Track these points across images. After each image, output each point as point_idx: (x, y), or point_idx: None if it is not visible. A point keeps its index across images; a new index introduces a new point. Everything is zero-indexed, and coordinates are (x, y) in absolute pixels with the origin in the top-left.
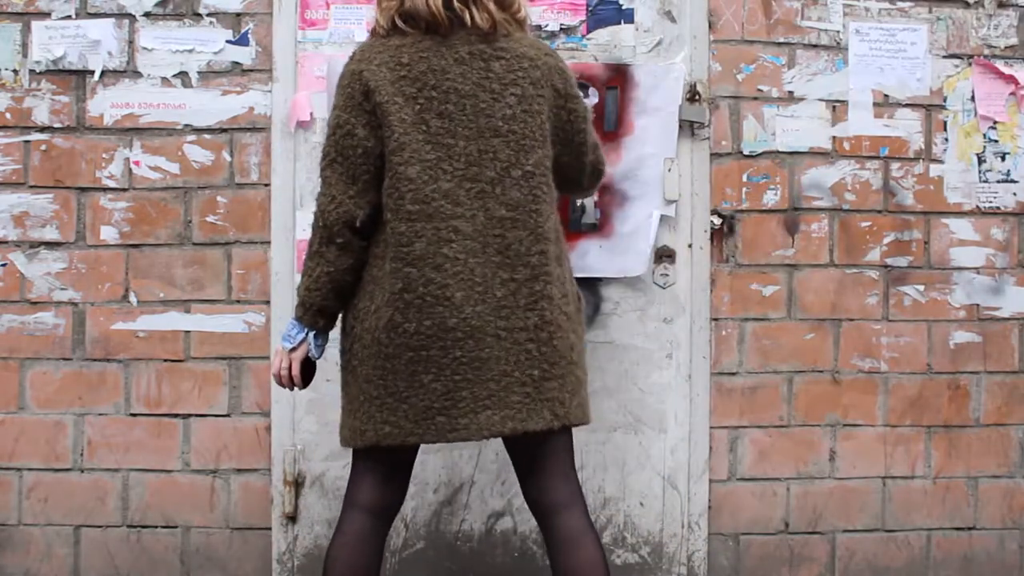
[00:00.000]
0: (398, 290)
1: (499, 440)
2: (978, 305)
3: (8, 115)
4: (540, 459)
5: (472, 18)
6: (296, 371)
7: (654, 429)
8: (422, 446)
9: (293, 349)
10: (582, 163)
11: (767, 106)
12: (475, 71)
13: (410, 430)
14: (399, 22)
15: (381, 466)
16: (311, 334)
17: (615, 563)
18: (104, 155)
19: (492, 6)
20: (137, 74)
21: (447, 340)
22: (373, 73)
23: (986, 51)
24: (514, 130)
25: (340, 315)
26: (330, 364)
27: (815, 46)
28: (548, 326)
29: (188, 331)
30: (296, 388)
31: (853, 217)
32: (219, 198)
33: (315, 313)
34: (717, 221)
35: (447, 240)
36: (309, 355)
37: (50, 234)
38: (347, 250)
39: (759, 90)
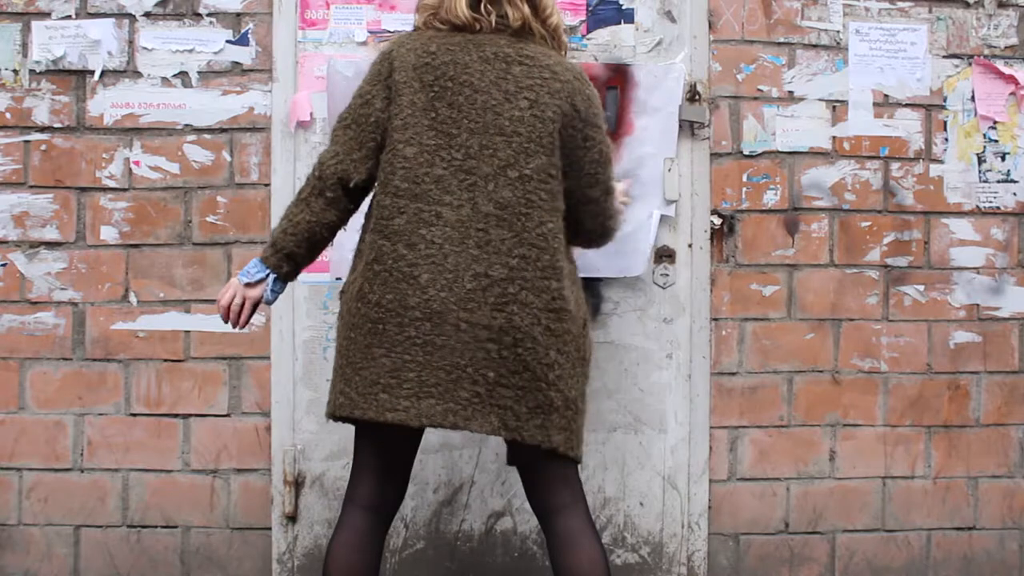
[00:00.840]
0: (370, 260)
1: (499, 440)
2: (978, 305)
3: (8, 115)
4: (537, 462)
5: (504, 16)
6: (247, 310)
7: (654, 429)
8: (422, 445)
9: (249, 285)
10: (588, 196)
11: (767, 106)
12: (495, 70)
13: (357, 403)
14: (435, 23)
15: (378, 461)
16: (271, 277)
17: (615, 563)
18: (104, 155)
19: (526, 8)
20: (137, 74)
21: (404, 317)
22: (401, 56)
23: (986, 51)
24: (519, 132)
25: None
26: (330, 363)
27: (815, 46)
28: (515, 331)
29: (188, 331)
30: (237, 328)
31: (853, 217)
32: (219, 198)
33: (283, 257)
34: (717, 221)
35: (428, 223)
36: (264, 299)
37: (50, 234)
38: (334, 206)
39: (759, 90)
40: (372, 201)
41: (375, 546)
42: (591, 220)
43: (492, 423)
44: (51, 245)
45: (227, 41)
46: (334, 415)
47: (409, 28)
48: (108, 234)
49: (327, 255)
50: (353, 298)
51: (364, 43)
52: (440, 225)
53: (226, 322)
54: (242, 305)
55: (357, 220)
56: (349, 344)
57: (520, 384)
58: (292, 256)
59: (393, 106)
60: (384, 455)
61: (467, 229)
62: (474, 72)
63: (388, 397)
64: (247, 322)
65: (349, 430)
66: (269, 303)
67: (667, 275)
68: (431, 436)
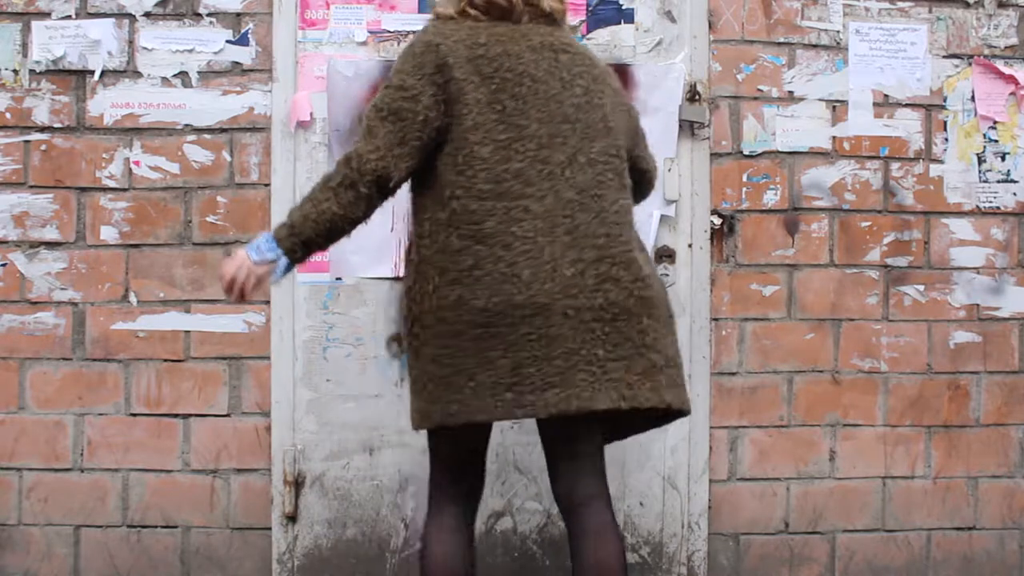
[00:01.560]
0: (468, 267)
1: (499, 440)
2: (978, 305)
3: (8, 115)
4: (573, 451)
5: (533, 3)
6: (252, 288)
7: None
8: (422, 446)
9: (258, 264)
10: (645, 158)
11: (767, 106)
12: (546, 60)
13: (478, 407)
14: (469, 9)
15: (470, 455)
16: (282, 260)
17: None
18: (104, 155)
19: None
20: (137, 74)
21: (515, 316)
22: (451, 48)
23: (986, 51)
24: (580, 118)
25: (401, 300)
26: (330, 363)
27: (815, 46)
28: (612, 307)
29: (188, 331)
30: (235, 302)
31: (853, 217)
32: (219, 198)
33: (299, 243)
34: (717, 221)
35: (517, 219)
36: (270, 280)
37: (50, 234)
38: (364, 201)
39: (759, 90)
40: (448, 207)
41: (465, 535)
42: (646, 187)
43: (612, 397)
44: (51, 245)
45: (227, 41)
46: (445, 425)
47: (410, 28)
48: (108, 234)
49: (327, 255)
50: (448, 307)
51: (364, 43)
52: (529, 219)
53: (228, 295)
54: (251, 284)
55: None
56: (454, 352)
57: (624, 355)
58: (309, 244)
59: (457, 106)
60: (475, 447)
61: (554, 218)
62: (528, 62)
63: (513, 396)
64: (248, 299)
65: (348, 431)
66: (273, 284)
67: (667, 275)
68: None
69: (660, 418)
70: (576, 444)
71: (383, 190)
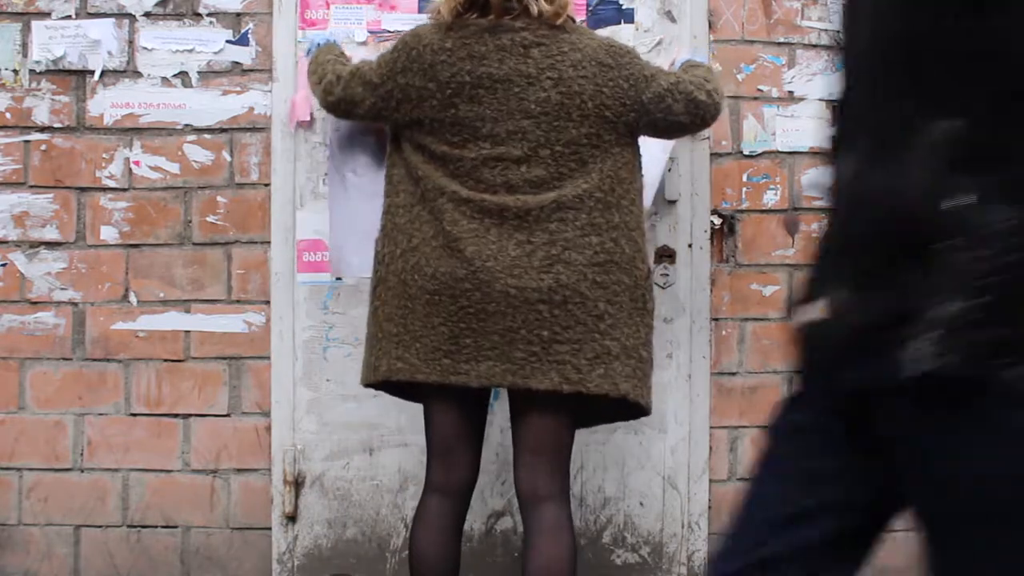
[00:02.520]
0: (428, 236)
1: (499, 440)
2: None
3: (8, 115)
4: (540, 445)
5: (530, 7)
6: None
7: (654, 429)
8: (422, 446)
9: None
10: (669, 108)
11: (767, 106)
12: (514, 57)
13: (418, 367)
14: (461, 10)
15: (440, 440)
16: None
17: (615, 563)
18: (104, 155)
19: None
20: (137, 74)
21: (456, 289)
22: (419, 53)
23: None
24: (547, 112)
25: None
26: (330, 363)
27: (815, 46)
28: (563, 289)
29: (188, 331)
30: None
31: None
32: (219, 198)
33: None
34: (717, 221)
35: (467, 200)
36: None
37: (50, 234)
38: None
39: (759, 90)
40: (420, 184)
41: (450, 529)
42: (687, 116)
43: (552, 379)
44: (51, 245)
45: (227, 41)
46: (387, 380)
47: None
48: (108, 234)
49: (326, 255)
50: (409, 269)
51: (364, 43)
52: (473, 201)
53: None
54: None
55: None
56: (406, 312)
57: (575, 338)
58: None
59: (416, 110)
60: (459, 431)
61: (505, 204)
62: (492, 62)
63: (450, 362)
64: None
65: (348, 431)
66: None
67: (667, 275)
68: None
69: (624, 412)
70: (543, 438)
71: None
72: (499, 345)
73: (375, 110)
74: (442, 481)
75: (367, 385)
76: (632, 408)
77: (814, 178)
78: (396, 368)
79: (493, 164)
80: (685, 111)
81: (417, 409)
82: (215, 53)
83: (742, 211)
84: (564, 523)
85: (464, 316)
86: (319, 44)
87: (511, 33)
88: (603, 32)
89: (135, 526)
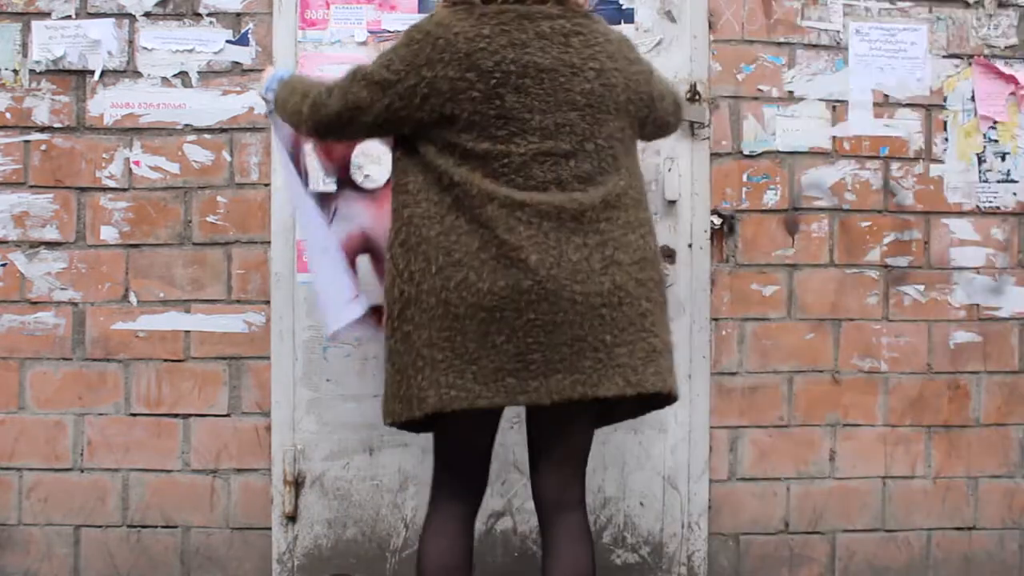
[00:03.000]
0: (475, 249)
1: (499, 440)
2: (978, 305)
3: (8, 115)
4: (566, 451)
5: None
6: None
7: (654, 429)
8: (423, 445)
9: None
10: (666, 108)
11: (767, 106)
12: (556, 45)
13: (479, 392)
14: None
15: (462, 449)
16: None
17: (615, 563)
18: (104, 155)
19: None
20: (137, 74)
21: (521, 302)
22: (449, 42)
23: (986, 51)
24: (591, 104)
25: (391, 284)
26: (330, 363)
27: (815, 46)
28: (619, 291)
29: (188, 331)
30: None
31: (853, 217)
32: (219, 198)
33: (277, 110)
34: (717, 221)
35: (520, 203)
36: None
37: (50, 234)
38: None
39: (759, 90)
40: (455, 190)
41: (462, 534)
42: (674, 116)
43: (618, 384)
44: (51, 245)
45: (227, 41)
46: (442, 410)
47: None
48: (108, 234)
49: None
50: (452, 288)
51: (364, 43)
52: (532, 205)
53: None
54: None
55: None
56: (453, 334)
57: (629, 339)
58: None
59: (448, 104)
60: (481, 443)
61: (560, 203)
62: (535, 50)
63: (516, 381)
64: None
65: (348, 431)
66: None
67: (667, 275)
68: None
69: (643, 406)
70: (574, 444)
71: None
72: (568, 356)
73: (390, 112)
74: (463, 493)
75: (401, 424)
76: (664, 401)
77: (814, 178)
78: (451, 397)
79: (543, 159)
80: (673, 112)
81: None
82: (215, 53)
83: (742, 211)
84: (587, 530)
85: (531, 330)
86: (282, 77)
87: (549, 20)
88: None
89: (135, 526)
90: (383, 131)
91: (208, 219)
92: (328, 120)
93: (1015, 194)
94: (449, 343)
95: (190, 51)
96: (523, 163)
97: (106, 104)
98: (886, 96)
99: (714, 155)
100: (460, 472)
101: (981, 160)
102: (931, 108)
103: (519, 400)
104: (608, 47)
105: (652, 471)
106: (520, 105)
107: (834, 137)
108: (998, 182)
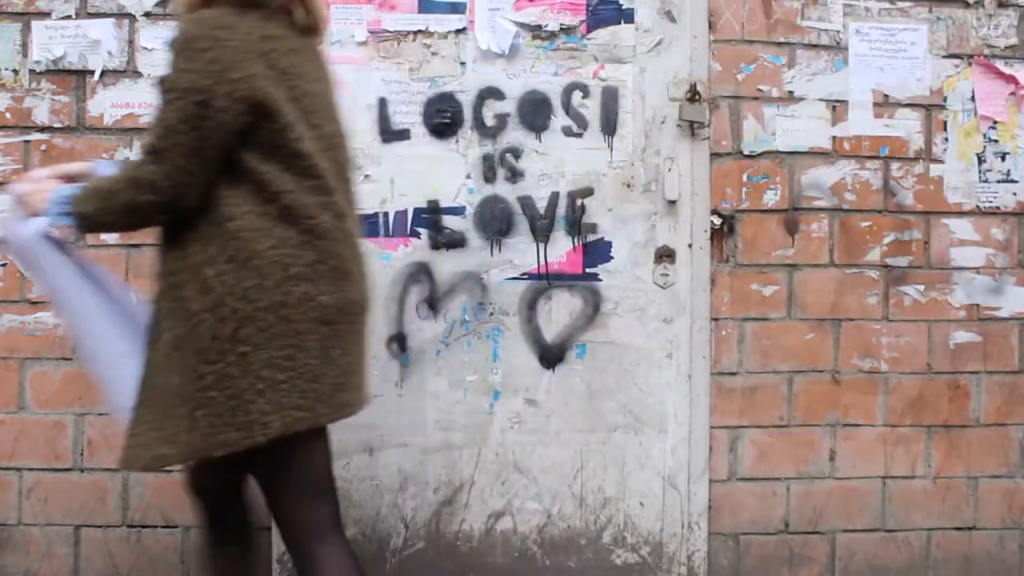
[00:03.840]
0: (311, 261)
1: (499, 440)
2: (978, 305)
3: (8, 115)
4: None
5: (294, 12)
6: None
7: (654, 429)
8: (423, 445)
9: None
10: None
11: (767, 106)
12: (309, 57)
13: (320, 411)
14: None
15: (322, 479)
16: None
17: (615, 563)
18: (104, 155)
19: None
20: (137, 74)
21: (349, 314)
22: (242, 42)
23: (986, 51)
24: (341, 117)
25: (216, 306)
26: None
27: (815, 46)
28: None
29: None
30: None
31: (853, 217)
32: None
33: (93, 228)
34: (717, 221)
35: (341, 215)
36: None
37: None
38: (155, 221)
39: (759, 90)
40: (279, 201)
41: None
42: None
43: (367, 395)
44: None
45: None
46: (286, 433)
47: (410, 28)
48: (108, 234)
49: None
50: (293, 304)
51: (364, 43)
52: (348, 214)
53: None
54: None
55: None
56: (295, 354)
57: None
58: (103, 228)
59: (264, 105)
60: (327, 464)
61: (353, 215)
62: (304, 60)
63: (345, 395)
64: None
65: (348, 431)
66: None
67: (667, 275)
68: (434, 437)
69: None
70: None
71: (177, 211)
72: (362, 367)
73: (225, 128)
74: (333, 516)
75: (246, 446)
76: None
77: (814, 178)
78: (295, 419)
79: (335, 166)
80: None
81: (418, 409)
82: None
83: (742, 211)
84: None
85: (356, 342)
86: (70, 195)
87: (296, 31)
88: (603, 32)
89: (135, 526)
90: (225, 149)
91: None
92: (171, 187)
93: (1015, 194)
94: (290, 363)
95: None
96: (327, 167)
97: (106, 104)
98: (886, 96)
99: (714, 155)
100: (323, 495)
101: (981, 160)
102: (931, 108)
103: (344, 412)
104: (329, 66)
105: (652, 471)
106: (310, 109)
107: (834, 137)
108: (998, 182)
